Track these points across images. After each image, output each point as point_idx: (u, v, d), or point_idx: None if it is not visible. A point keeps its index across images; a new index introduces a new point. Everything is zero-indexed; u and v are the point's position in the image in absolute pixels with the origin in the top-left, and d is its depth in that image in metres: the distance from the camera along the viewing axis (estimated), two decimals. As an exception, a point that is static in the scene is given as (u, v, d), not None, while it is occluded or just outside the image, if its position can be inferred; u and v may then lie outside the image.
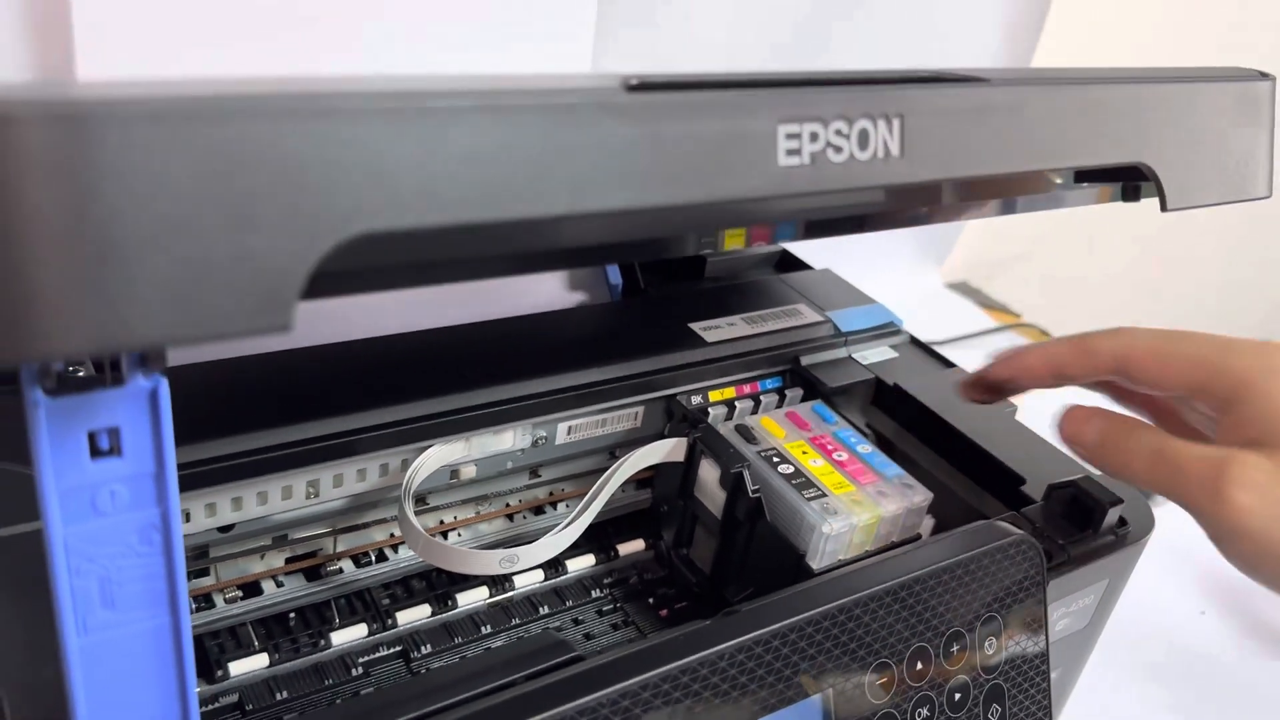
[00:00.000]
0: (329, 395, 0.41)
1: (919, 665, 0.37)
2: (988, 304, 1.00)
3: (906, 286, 0.92)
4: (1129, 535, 0.44)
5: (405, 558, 0.46)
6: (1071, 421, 0.40)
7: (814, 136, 0.26)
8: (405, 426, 0.42)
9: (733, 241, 0.33)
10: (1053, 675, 0.46)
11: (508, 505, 0.49)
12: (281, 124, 0.20)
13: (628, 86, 0.24)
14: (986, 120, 0.29)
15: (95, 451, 0.24)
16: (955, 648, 0.38)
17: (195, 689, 0.26)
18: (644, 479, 0.52)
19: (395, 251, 0.23)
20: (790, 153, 0.26)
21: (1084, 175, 0.36)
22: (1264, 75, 0.38)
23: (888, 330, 0.56)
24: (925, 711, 0.38)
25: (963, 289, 1.03)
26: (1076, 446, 0.40)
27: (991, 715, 0.39)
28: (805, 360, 0.53)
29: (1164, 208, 0.35)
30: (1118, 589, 0.46)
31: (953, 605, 0.38)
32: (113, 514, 0.24)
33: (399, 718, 0.30)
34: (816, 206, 0.30)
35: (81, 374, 0.23)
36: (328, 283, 0.21)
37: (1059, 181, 0.36)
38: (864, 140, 0.27)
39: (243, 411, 0.39)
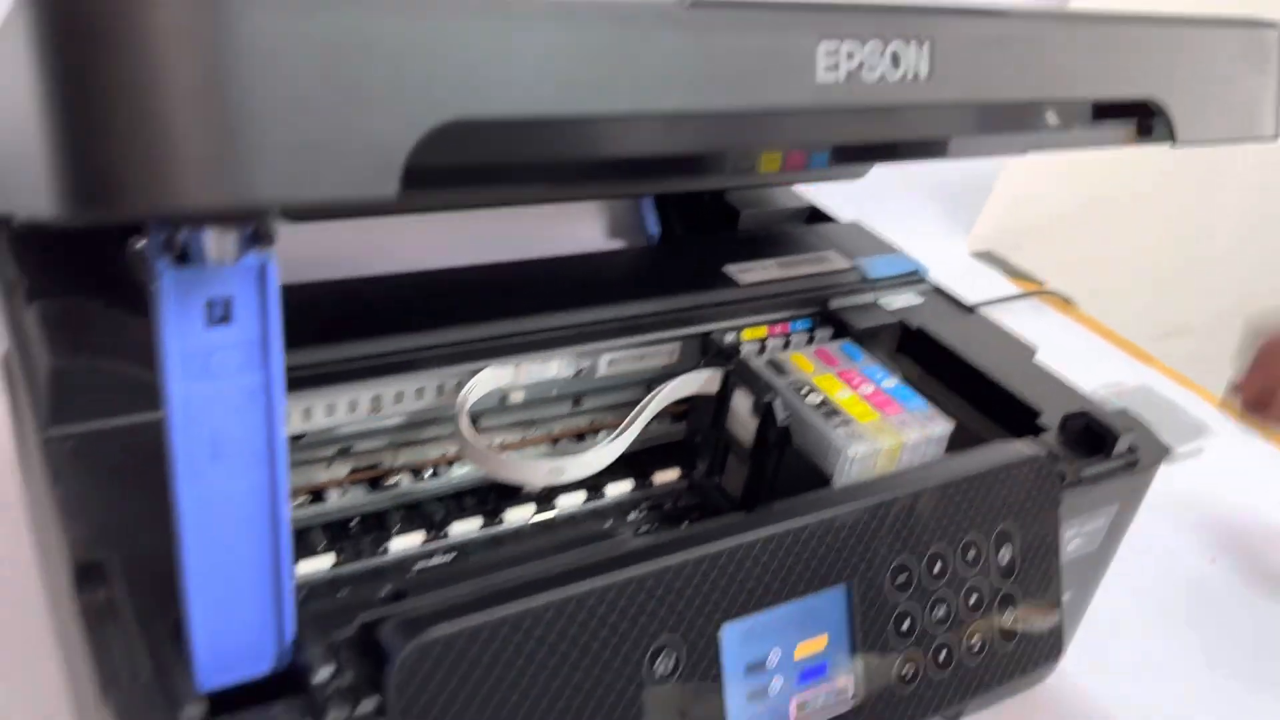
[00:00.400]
0: (392, 318, 0.44)
1: (937, 568, 0.40)
2: (1013, 272, 1.02)
3: (933, 255, 0.95)
4: (1139, 462, 0.46)
5: (459, 474, 0.49)
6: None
7: (850, 55, 0.29)
8: (460, 347, 0.45)
9: (769, 165, 0.36)
10: (1065, 596, 0.49)
11: (551, 432, 0.52)
12: (390, 16, 0.23)
13: (690, 4, 0.27)
14: (1010, 48, 0.32)
15: (210, 320, 0.27)
16: (971, 555, 0.41)
17: (290, 541, 0.30)
18: (679, 413, 0.55)
19: (481, 145, 0.26)
20: (828, 69, 0.29)
21: (1100, 112, 0.39)
22: (1272, 24, 0.40)
23: (913, 278, 0.59)
24: (941, 612, 0.40)
25: (988, 258, 1.05)
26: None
27: (1005, 621, 0.42)
28: (834, 304, 0.56)
29: (1174, 142, 0.38)
30: (1128, 517, 0.49)
31: (970, 514, 0.41)
32: (223, 377, 0.27)
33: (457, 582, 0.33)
34: (850, 125, 0.33)
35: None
36: (423, 175, 0.24)
37: (1075, 116, 0.38)
38: (896, 61, 0.30)
39: (313, 329, 0.43)
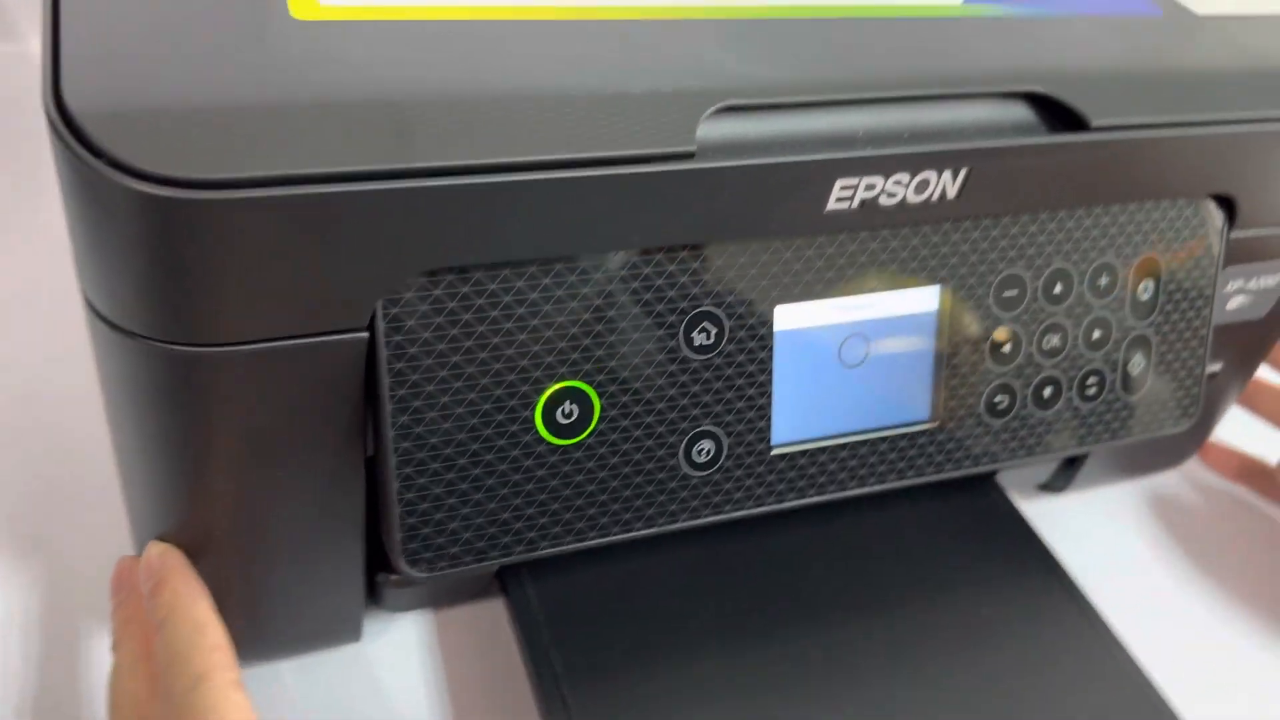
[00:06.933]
0: None
1: (1057, 289, 0.33)
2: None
3: None
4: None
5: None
6: None
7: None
8: None
9: None
10: (1212, 368, 0.41)
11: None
12: None
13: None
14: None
15: None
16: (1104, 281, 0.34)
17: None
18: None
19: None
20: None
21: None
22: None
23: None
24: (1055, 341, 0.34)
25: None
26: None
27: (1132, 369, 0.35)
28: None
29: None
30: (1310, 283, 0.40)
31: (1110, 233, 0.33)
32: None
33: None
34: None
35: None
36: None
37: None
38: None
39: None
